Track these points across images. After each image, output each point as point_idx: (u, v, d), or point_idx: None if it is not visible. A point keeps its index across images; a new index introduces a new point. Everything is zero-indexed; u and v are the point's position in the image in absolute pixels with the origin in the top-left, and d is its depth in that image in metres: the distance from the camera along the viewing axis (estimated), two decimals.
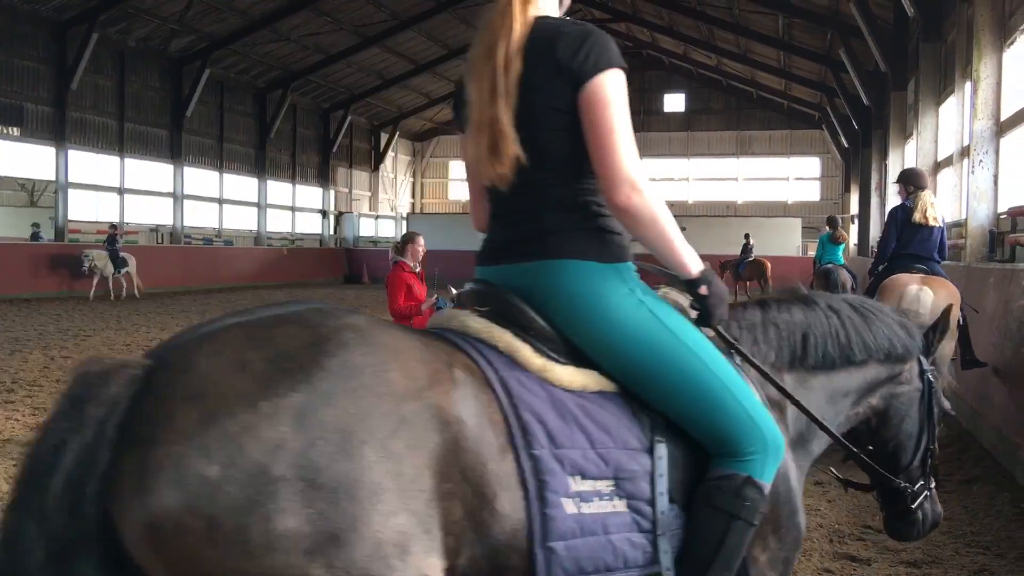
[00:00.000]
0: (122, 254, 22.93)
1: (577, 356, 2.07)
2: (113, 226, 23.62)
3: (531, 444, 1.86)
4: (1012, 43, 13.01)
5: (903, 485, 2.70)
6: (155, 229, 29.41)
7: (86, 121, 26.03)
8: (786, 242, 32.39)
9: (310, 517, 1.55)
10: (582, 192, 2.13)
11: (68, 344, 13.17)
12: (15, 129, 23.46)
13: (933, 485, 2.80)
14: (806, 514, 2.41)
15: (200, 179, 31.09)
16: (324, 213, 38.75)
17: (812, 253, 24.39)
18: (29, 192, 33.22)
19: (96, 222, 26.56)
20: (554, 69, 2.04)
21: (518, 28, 2.07)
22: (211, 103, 31.06)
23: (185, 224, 30.10)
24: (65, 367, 10.87)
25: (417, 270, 7.80)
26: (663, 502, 2.00)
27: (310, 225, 38.27)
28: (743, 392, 2.11)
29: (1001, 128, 12.66)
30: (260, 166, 34.02)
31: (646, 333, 2.05)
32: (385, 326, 1.91)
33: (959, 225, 14.59)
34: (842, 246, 16.41)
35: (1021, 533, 5.03)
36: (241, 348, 1.68)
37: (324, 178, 38.37)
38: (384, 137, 42.77)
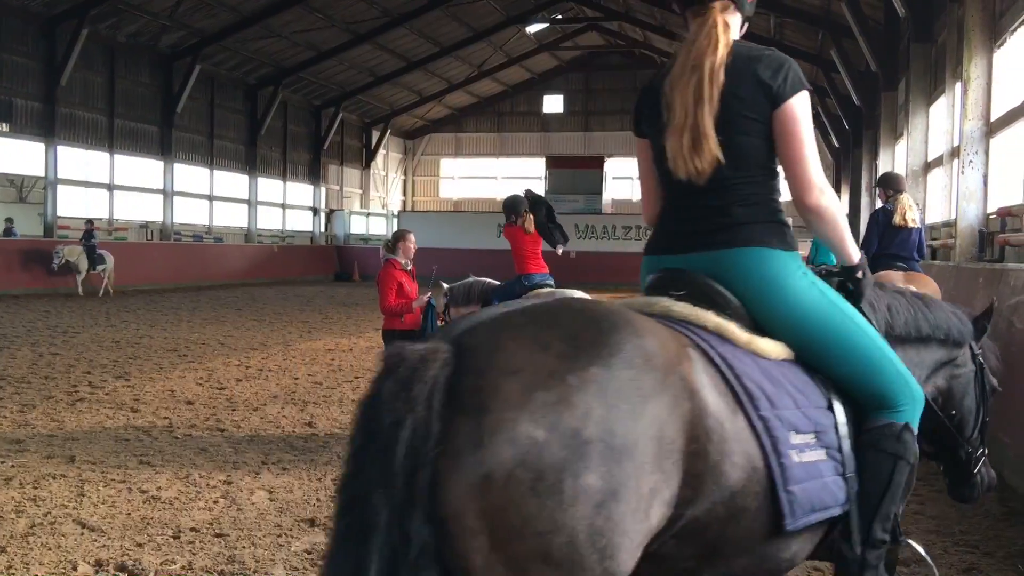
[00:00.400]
0: (99, 251, 22.59)
1: (759, 331, 2.41)
2: (89, 221, 23.27)
3: (758, 407, 2.19)
4: (1002, 44, 13.05)
5: (968, 451, 3.14)
6: (145, 225, 29.30)
7: (75, 117, 25.91)
8: None
9: (603, 474, 1.82)
10: (765, 190, 2.52)
11: (57, 341, 13.11)
12: (4, 125, 23.33)
13: (986, 452, 3.23)
14: None
15: (190, 176, 30.97)
16: (315, 210, 38.67)
17: (803, 252, 24.53)
18: (18, 188, 33.04)
19: (85, 218, 26.42)
20: (756, 85, 2.41)
21: (723, 48, 2.43)
22: (201, 99, 30.94)
23: (175, 221, 29.99)
24: (54, 364, 10.84)
25: (408, 268, 7.79)
26: (847, 448, 2.38)
27: (301, 222, 38.20)
28: (892, 354, 2.52)
29: (991, 128, 12.70)
30: (251, 163, 33.91)
31: (819, 309, 2.43)
32: (631, 310, 2.22)
33: (949, 225, 14.64)
34: None
35: (1009, 532, 5.05)
36: (536, 330, 1.97)
37: (315, 175, 38.28)
38: (375, 134, 42.70)
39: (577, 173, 38.92)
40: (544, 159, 41.62)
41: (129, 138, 28.02)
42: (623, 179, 43.05)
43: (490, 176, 45.63)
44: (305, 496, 5.68)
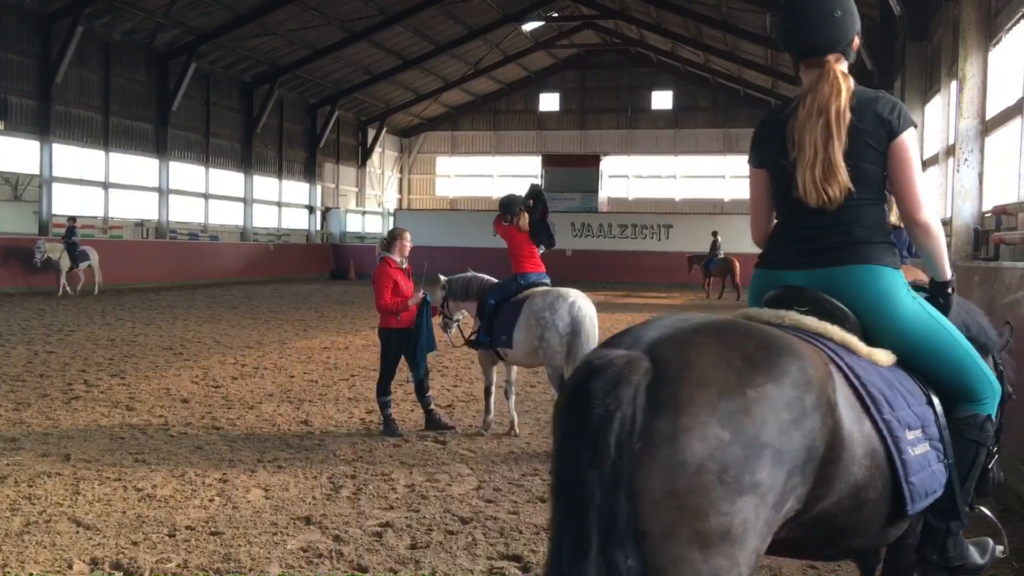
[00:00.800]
0: (82, 248, 22.23)
1: (868, 337, 2.79)
2: (71, 219, 22.89)
3: (881, 411, 2.54)
4: (998, 42, 13.08)
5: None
6: (140, 224, 29.24)
7: (71, 115, 25.84)
8: None
9: (768, 473, 2.19)
10: (878, 214, 2.92)
11: (52, 339, 13.09)
12: None
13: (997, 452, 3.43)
14: None
15: (186, 174, 30.91)
16: (311, 209, 38.62)
17: None
18: (13, 186, 32.98)
19: (81, 216, 26.35)
20: (877, 121, 2.84)
21: (845, 93, 2.84)
22: (197, 97, 30.88)
23: (171, 219, 29.93)
24: (49, 362, 10.82)
25: (404, 266, 7.78)
26: (946, 436, 2.76)
27: (297, 221, 38.15)
28: (977, 355, 2.91)
29: (986, 127, 12.73)
30: (246, 161, 33.86)
31: (922, 320, 2.84)
32: (786, 333, 2.56)
33: (944, 223, 14.65)
34: None
35: (1004, 530, 5.05)
36: (717, 349, 2.32)
37: (311, 173, 38.24)
38: (371, 132, 42.64)
39: (573, 171, 38.89)
40: (540, 157, 41.60)
41: (124, 136, 27.96)
42: (619, 177, 43.07)
43: (486, 174, 45.59)
44: (301, 494, 5.68)
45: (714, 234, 27.79)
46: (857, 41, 3.02)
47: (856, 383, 2.54)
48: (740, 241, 31.79)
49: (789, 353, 2.39)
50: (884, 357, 2.74)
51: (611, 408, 2.16)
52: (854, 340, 2.70)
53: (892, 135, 2.85)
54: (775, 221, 3.13)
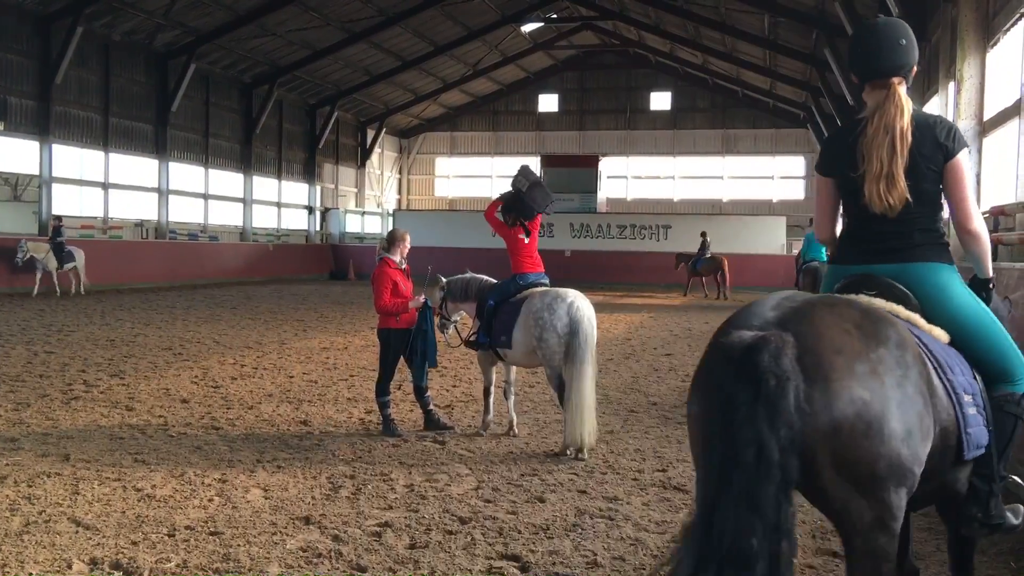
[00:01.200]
0: (68, 248, 21.81)
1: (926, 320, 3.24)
2: (57, 218, 22.51)
3: (945, 373, 3.01)
4: (996, 43, 13.10)
5: None
6: (140, 224, 29.23)
7: (70, 115, 25.84)
8: (771, 240, 32.46)
9: (900, 420, 2.66)
10: (935, 221, 3.41)
11: (51, 339, 13.10)
12: None
13: None
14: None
15: (185, 174, 30.90)
16: (310, 209, 38.63)
17: (796, 251, 24.75)
18: (12, 186, 33.01)
19: (80, 217, 26.37)
20: (935, 144, 3.30)
21: (907, 114, 3.29)
22: (197, 98, 30.88)
23: (170, 219, 29.92)
24: (48, 362, 10.83)
25: (403, 266, 7.79)
26: (989, 410, 3.18)
27: (296, 221, 38.15)
28: (1013, 343, 3.37)
29: (984, 128, 12.75)
30: (246, 162, 33.86)
31: (971, 310, 3.32)
32: (877, 307, 3.03)
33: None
34: None
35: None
36: (835, 322, 2.76)
37: (310, 174, 38.24)
38: (371, 133, 42.65)
39: (572, 172, 38.87)
40: (539, 158, 41.59)
41: (124, 136, 27.95)
42: (617, 178, 43.08)
43: (485, 175, 45.59)
44: (300, 494, 5.69)
45: (703, 234, 27.95)
46: (916, 68, 3.46)
47: (924, 349, 2.99)
48: (736, 241, 31.95)
49: (885, 320, 2.86)
50: (941, 334, 3.20)
51: (783, 379, 2.54)
52: (916, 316, 3.18)
53: (949, 157, 3.30)
54: (843, 224, 3.57)
